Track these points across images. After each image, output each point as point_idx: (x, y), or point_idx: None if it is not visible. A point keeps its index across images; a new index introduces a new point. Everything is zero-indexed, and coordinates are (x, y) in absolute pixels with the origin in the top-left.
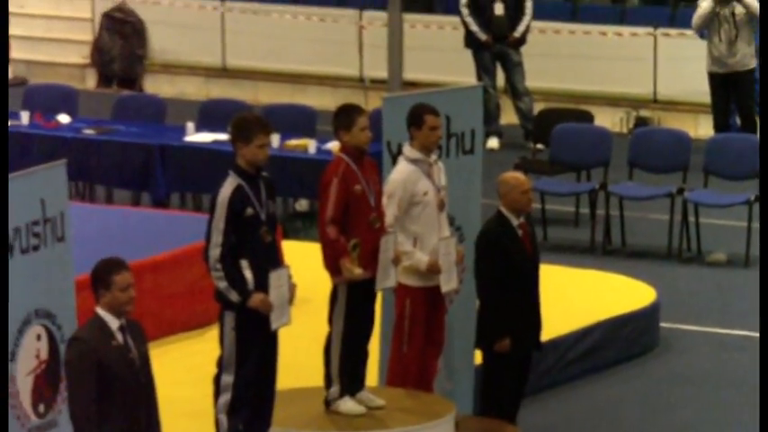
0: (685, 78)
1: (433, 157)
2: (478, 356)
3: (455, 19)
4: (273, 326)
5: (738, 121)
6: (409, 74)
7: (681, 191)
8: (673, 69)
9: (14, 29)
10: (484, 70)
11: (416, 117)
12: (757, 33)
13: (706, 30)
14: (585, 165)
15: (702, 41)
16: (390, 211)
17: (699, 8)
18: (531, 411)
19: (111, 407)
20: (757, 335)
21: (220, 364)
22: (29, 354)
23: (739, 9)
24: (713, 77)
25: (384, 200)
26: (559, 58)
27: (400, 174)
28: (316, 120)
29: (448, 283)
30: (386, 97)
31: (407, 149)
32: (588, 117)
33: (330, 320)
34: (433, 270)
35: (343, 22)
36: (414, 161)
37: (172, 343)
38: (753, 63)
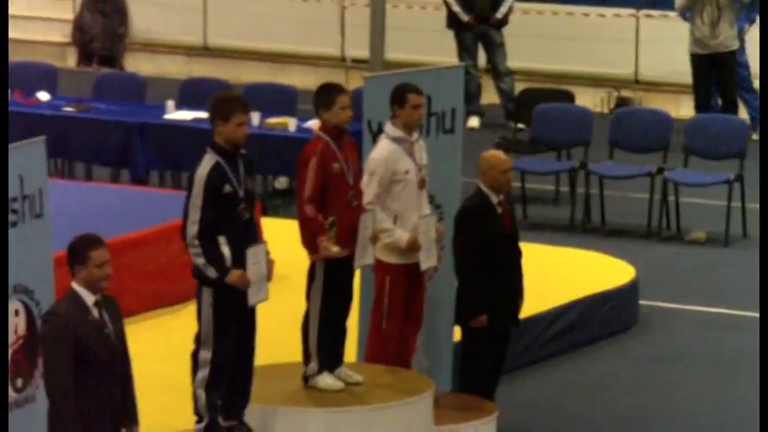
0: (667, 59)
1: (415, 135)
2: (457, 333)
3: None
4: (251, 302)
5: (719, 101)
6: (391, 54)
7: (661, 170)
8: (654, 50)
9: None
10: (465, 51)
11: (399, 95)
12: (740, 16)
13: (689, 11)
14: (566, 144)
15: (684, 23)
16: (371, 189)
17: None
18: (510, 388)
19: (87, 381)
20: (737, 312)
21: (198, 340)
22: (7, 329)
23: None
24: (695, 58)
25: (365, 177)
26: (542, 39)
27: (382, 151)
28: (296, 98)
29: (427, 260)
30: (367, 77)
31: (389, 128)
32: (569, 97)
33: (308, 297)
34: (413, 247)
35: (326, 2)
36: (395, 139)
37: (150, 319)
38: (735, 44)
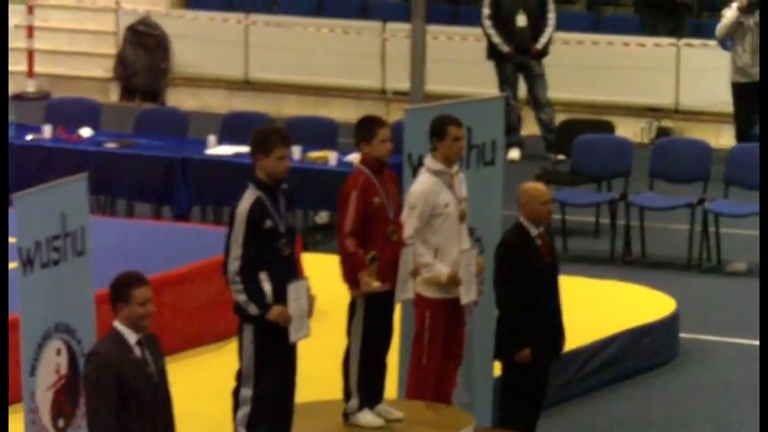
0: (707, 88)
1: (455, 168)
2: (497, 368)
3: (477, 30)
4: (292, 338)
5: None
6: (431, 86)
7: (701, 201)
8: (695, 79)
9: (38, 43)
10: (506, 81)
11: (439, 128)
12: None
13: (730, 40)
14: (606, 175)
15: (724, 51)
16: (411, 223)
17: (723, 18)
18: (551, 423)
19: (130, 421)
20: None
21: (239, 378)
22: (49, 368)
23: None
24: (736, 87)
25: (405, 211)
26: (582, 69)
27: (422, 185)
28: (337, 132)
29: (468, 294)
30: (407, 109)
31: (429, 161)
32: (609, 127)
33: (349, 333)
34: (454, 282)
35: (367, 35)
36: (436, 172)
37: (191, 357)
38: None
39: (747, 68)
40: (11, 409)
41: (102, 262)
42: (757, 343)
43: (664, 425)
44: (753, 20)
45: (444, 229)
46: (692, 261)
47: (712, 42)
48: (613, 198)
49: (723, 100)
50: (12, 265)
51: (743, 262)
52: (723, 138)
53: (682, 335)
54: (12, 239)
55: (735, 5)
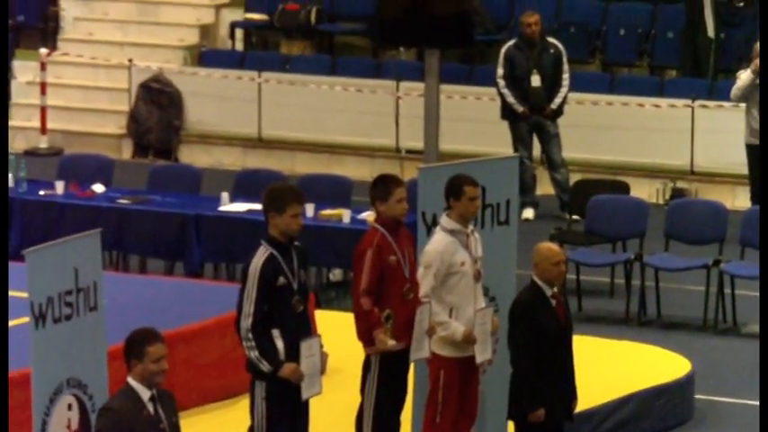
0: (723, 150)
1: (470, 227)
2: (511, 427)
3: (492, 90)
4: (304, 395)
5: None
6: (445, 145)
7: (717, 262)
8: (710, 141)
9: (51, 99)
10: (520, 141)
11: (456, 187)
12: None
13: (745, 101)
14: (621, 236)
15: (740, 113)
16: (427, 282)
17: (738, 80)
18: None
19: None
20: None
21: None
22: (60, 423)
23: None
24: (751, 149)
25: (420, 270)
26: (597, 130)
27: (438, 244)
28: (351, 190)
29: (483, 353)
30: (421, 168)
31: (445, 220)
32: (625, 188)
33: (362, 391)
34: (469, 340)
35: (380, 93)
36: (451, 232)
37: (204, 413)
38: None
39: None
40: None
41: (114, 318)
42: None
43: None
44: None
45: (460, 287)
46: (708, 322)
47: (727, 104)
48: (628, 259)
49: (738, 161)
50: (24, 320)
51: (758, 324)
52: (739, 199)
53: (697, 396)
54: (24, 294)
55: (750, 68)
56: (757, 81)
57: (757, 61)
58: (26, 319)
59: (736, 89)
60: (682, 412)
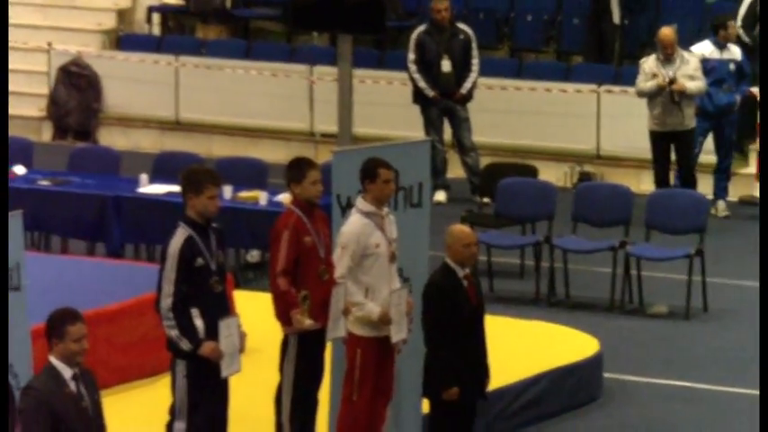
0: (628, 134)
1: (385, 209)
2: (426, 405)
3: (403, 75)
4: (224, 374)
5: (676, 176)
6: (359, 128)
7: (623, 244)
8: (615, 126)
9: None
10: (431, 125)
11: (370, 171)
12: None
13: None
14: (530, 218)
15: (644, 99)
16: (343, 263)
17: (641, 74)
18: None
19: None
20: (698, 385)
21: (173, 412)
22: None
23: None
24: (654, 135)
25: (337, 251)
26: (505, 114)
27: (354, 226)
28: (267, 172)
29: (398, 333)
30: (336, 151)
31: (360, 202)
32: (533, 171)
33: (281, 369)
34: (385, 321)
35: (295, 77)
36: (367, 214)
37: (125, 391)
38: (692, 123)
39: (665, 118)
40: None
41: (37, 297)
42: (678, 383)
43: None
44: (671, 71)
45: (375, 269)
46: (615, 303)
47: (632, 89)
48: (537, 241)
49: (643, 146)
50: None
51: (664, 304)
52: (643, 183)
53: (605, 374)
54: None
55: (656, 81)
56: (660, 70)
57: (661, 80)
58: None
59: (639, 91)
60: (591, 390)
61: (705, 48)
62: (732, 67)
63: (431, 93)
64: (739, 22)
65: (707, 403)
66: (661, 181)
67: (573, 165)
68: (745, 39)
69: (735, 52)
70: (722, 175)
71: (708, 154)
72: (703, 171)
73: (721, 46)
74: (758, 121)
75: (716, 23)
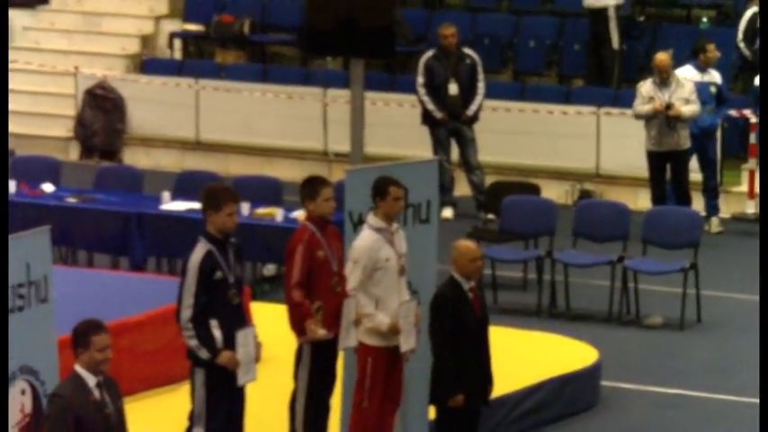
0: (626, 154)
1: (395, 225)
2: (432, 411)
3: (413, 97)
4: (240, 382)
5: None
6: (370, 148)
7: (621, 259)
8: (614, 146)
9: None
10: (439, 145)
11: (381, 188)
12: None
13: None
14: (533, 234)
15: (641, 121)
16: (355, 276)
17: (639, 97)
18: None
19: None
20: (691, 393)
21: (192, 418)
22: (14, 407)
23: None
24: (651, 155)
25: (349, 265)
26: (509, 135)
27: (365, 241)
28: (282, 190)
29: (407, 343)
30: (348, 170)
31: (371, 218)
32: (536, 189)
33: (295, 377)
34: (394, 331)
35: (309, 100)
36: (377, 229)
37: (147, 398)
38: (687, 144)
39: (661, 138)
40: None
41: (63, 309)
42: (672, 391)
43: None
44: (667, 94)
45: (385, 281)
46: (613, 314)
47: (629, 111)
48: (539, 255)
49: (640, 165)
50: None
51: (659, 316)
52: (641, 200)
53: (603, 383)
54: None
55: (654, 104)
56: (657, 93)
57: (658, 104)
58: None
59: (636, 114)
60: (588, 398)
61: (687, 72)
62: (713, 90)
63: (439, 114)
64: (740, 36)
65: (698, 410)
66: (657, 198)
67: (573, 183)
68: (746, 53)
69: (715, 76)
70: (711, 193)
71: (696, 172)
72: (695, 189)
73: (702, 69)
74: (751, 142)
75: (696, 48)
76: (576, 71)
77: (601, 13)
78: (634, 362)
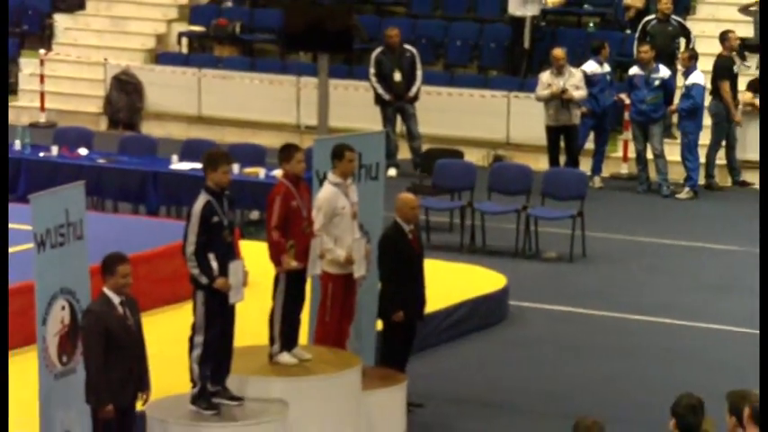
0: (530, 128)
1: (349, 181)
2: (379, 324)
3: (366, 83)
4: (231, 301)
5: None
6: (333, 122)
7: (525, 208)
8: (521, 121)
9: (48, 86)
10: (387, 120)
11: (339, 152)
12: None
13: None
14: (458, 188)
15: (542, 104)
16: (319, 220)
17: (540, 83)
18: (416, 364)
19: (114, 360)
20: (579, 310)
21: (193, 328)
22: (56, 319)
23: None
24: (549, 129)
25: (314, 212)
26: (441, 112)
27: (326, 193)
28: (265, 154)
29: (359, 271)
30: (316, 139)
31: (331, 175)
32: (460, 154)
33: (273, 298)
34: (349, 262)
35: (286, 85)
36: (335, 184)
37: (159, 313)
38: (577, 120)
39: (557, 115)
40: (26, 350)
41: (94, 244)
42: (563, 308)
43: (496, 365)
44: (562, 82)
45: (342, 224)
46: (518, 250)
47: (533, 95)
48: (463, 205)
49: (541, 136)
50: (28, 246)
51: (554, 252)
52: (540, 163)
53: (510, 302)
54: (28, 227)
55: (548, 71)
56: (554, 81)
57: (555, 89)
58: (30, 246)
59: (538, 97)
60: (499, 314)
61: (591, 65)
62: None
63: (387, 96)
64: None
65: (584, 324)
66: (553, 161)
67: (489, 150)
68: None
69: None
70: (600, 156)
71: (590, 142)
72: (586, 155)
73: (601, 63)
74: (625, 119)
75: (595, 46)
76: (492, 64)
77: (520, 21)
78: (534, 287)
